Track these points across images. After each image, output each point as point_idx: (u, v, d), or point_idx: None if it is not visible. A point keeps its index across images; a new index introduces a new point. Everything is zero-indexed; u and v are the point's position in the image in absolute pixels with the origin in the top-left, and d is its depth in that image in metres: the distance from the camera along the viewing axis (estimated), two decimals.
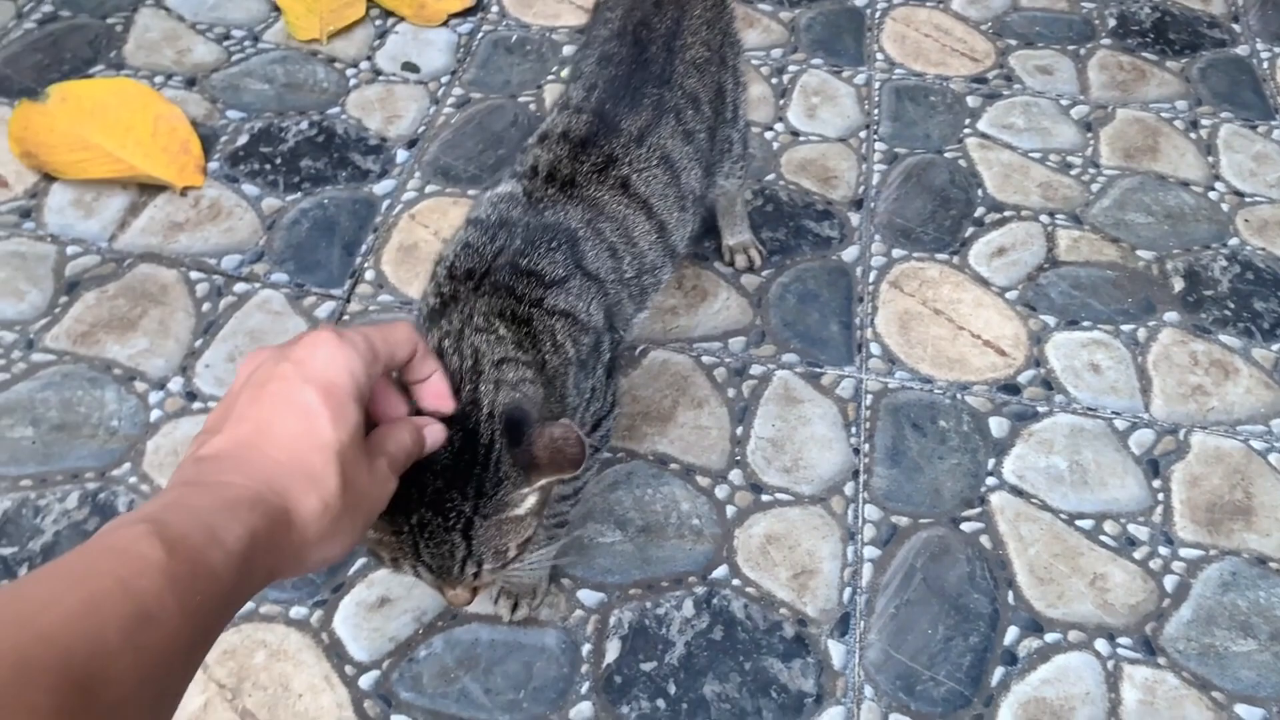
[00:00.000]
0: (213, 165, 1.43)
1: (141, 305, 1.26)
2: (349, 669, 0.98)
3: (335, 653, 1.00)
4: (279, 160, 1.44)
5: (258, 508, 0.51)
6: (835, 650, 1.02)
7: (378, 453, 0.60)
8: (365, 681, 0.98)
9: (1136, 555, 1.10)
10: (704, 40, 1.03)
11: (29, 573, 0.46)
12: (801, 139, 1.54)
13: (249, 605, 1.02)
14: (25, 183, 1.38)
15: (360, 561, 1.06)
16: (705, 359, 1.25)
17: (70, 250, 1.31)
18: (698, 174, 1.01)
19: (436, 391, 0.69)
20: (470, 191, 1.42)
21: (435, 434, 0.68)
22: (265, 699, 0.96)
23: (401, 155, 1.47)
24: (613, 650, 1.01)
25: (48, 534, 1.05)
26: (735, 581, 1.06)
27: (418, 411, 0.69)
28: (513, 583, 1.02)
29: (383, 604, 1.03)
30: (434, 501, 0.69)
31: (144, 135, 1.40)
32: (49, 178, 1.38)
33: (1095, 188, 1.49)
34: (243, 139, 1.47)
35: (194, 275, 1.29)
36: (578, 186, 0.88)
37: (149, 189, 1.38)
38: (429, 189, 1.42)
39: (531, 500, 0.72)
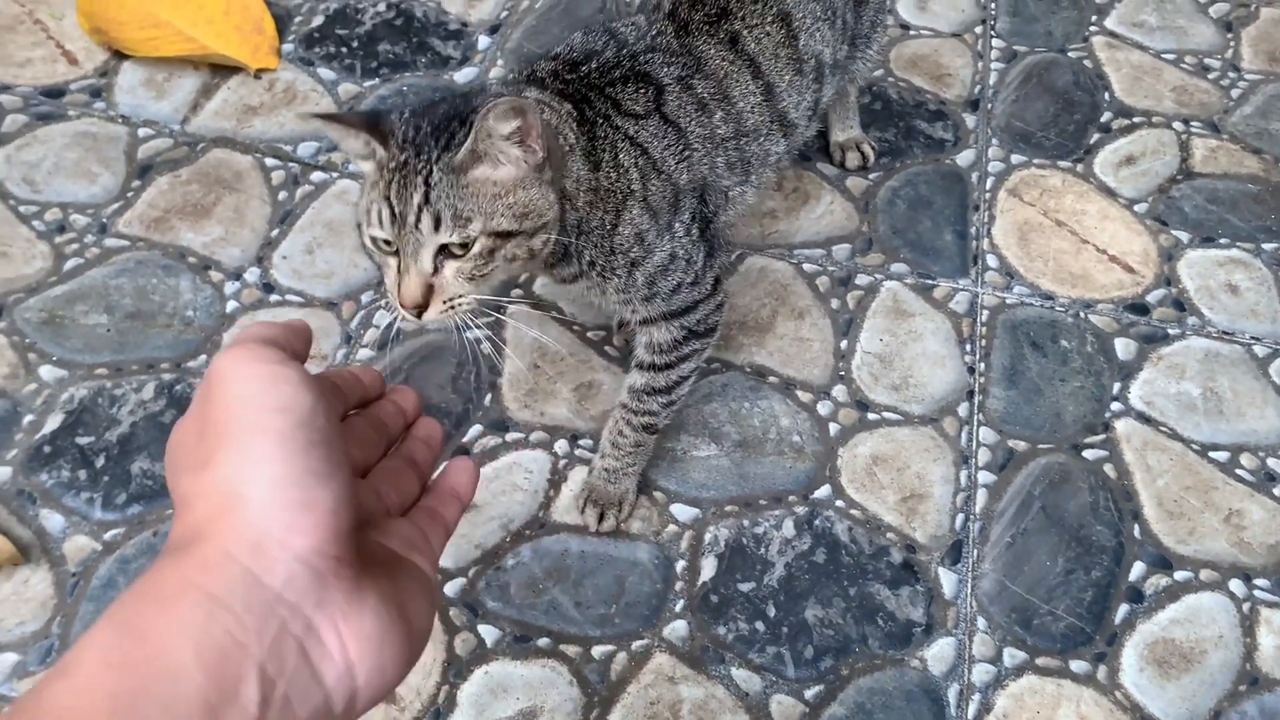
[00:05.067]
0: (287, 47, 1.35)
1: (216, 192, 1.20)
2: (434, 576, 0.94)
3: None
4: (355, 44, 1.36)
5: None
6: (946, 579, 0.95)
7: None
8: (451, 589, 0.94)
9: (1277, 491, 1.01)
10: None
11: None
12: (912, 33, 1.42)
13: None
14: (95, 60, 1.31)
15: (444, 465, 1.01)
16: (807, 267, 1.17)
17: (142, 133, 1.25)
18: (826, 37, 0.94)
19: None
20: None
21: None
22: None
23: (483, 41, 1.38)
24: (708, 568, 0.95)
25: (124, 425, 1.01)
26: (839, 503, 1.00)
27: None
28: (596, 489, 0.97)
29: (469, 510, 0.98)
30: (417, 144, 0.72)
31: (216, 13, 1.32)
32: (119, 56, 1.32)
33: (1235, 93, 1.36)
34: (318, 20, 1.39)
35: (269, 162, 1.23)
36: (690, 35, 0.88)
37: (222, 70, 1.31)
38: (511, 78, 1.33)
39: (488, 171, 0.72)
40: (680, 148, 0.85)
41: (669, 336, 0.92)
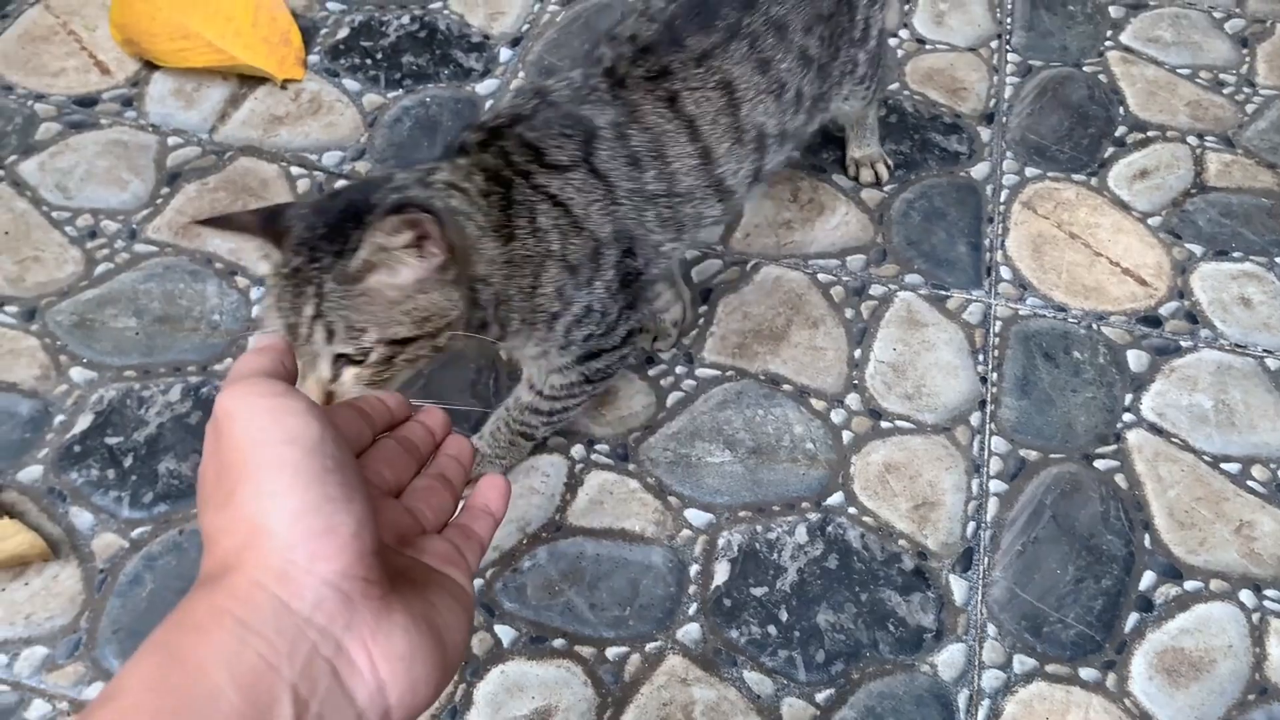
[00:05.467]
0: (313, 58, 1.38)
1: (242, 199, 1.22)
2: None
3: None
4: (380, 55, 1.39)
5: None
6: (957, 586, 0.96)
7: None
8: None
9: None
10: None
11: None
12: (928, 47, 1.44)
13: None
14: (126, 70, 1.35)
15: None
16: (821, 277, 1.18)
17: (171, 141, 1.28)
18: (770, 109, 0.92)
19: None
20: None
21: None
22: None
23: (505, 54, 1.40)
24: (722, 572, 0.97)
25: (151, 426, 1.04)
26: (851, 509, 1.01)
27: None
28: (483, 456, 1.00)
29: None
30: (311, 247, 0.71)
31: (244, 25, 1.35)
32: (150, 66, 1.35)
33: (1250, 109, 1.37)
34: (343, 32, 1.41)
35: (295, 171, 1.26)
36: (626, 89, 0.87)
37: (249, 81, 1.34)
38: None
39: (384, 279, 0.71)
40: (607, 202, 0.85)
41: (564, 380, 0.94)
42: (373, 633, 0.41)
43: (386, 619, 0.41)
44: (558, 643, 0.92)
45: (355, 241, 0.69)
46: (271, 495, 0.40)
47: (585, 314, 0.87)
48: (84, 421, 1.04)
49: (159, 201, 1.22)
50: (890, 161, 1.27)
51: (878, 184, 1.26)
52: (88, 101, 1.31)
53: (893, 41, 1.44)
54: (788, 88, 0.93)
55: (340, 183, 1.25)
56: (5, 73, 1.32)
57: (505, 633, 0.93)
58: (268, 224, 0.73)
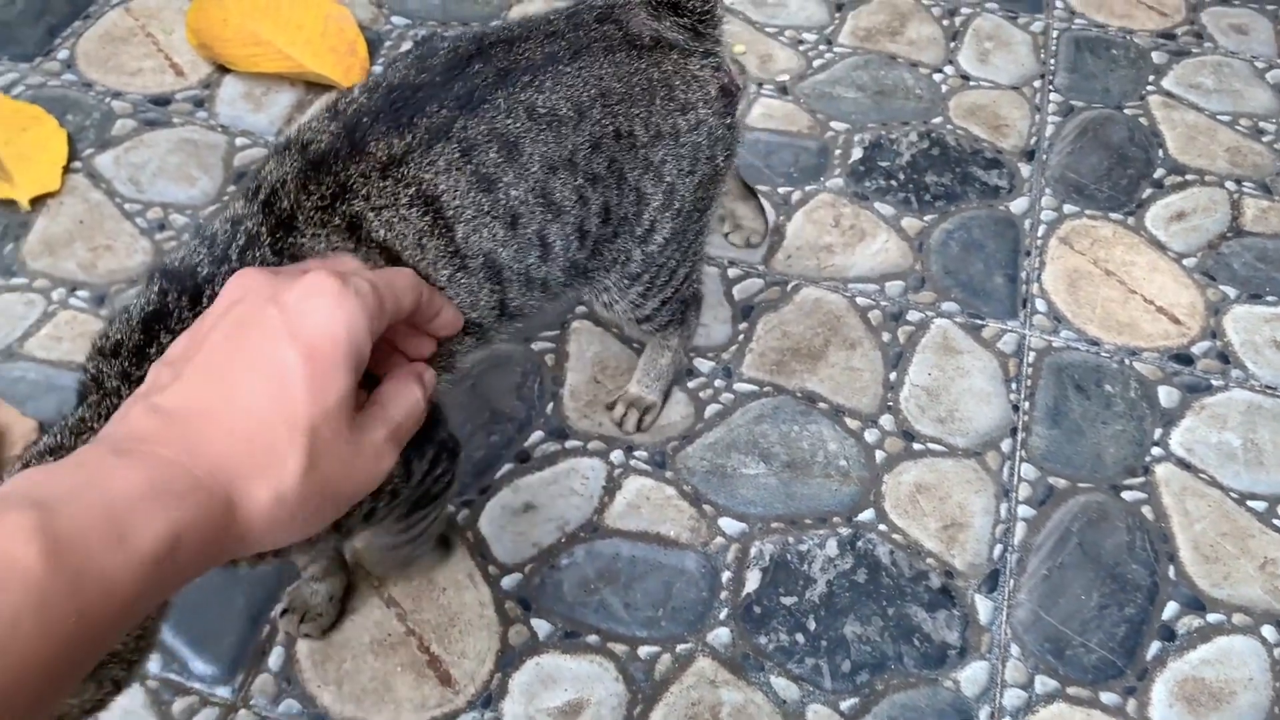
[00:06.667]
0: (376, 68, 1.43)
1: None
2: (492, 569, 1.00)
3: (479, 552, 1.01)
4: None
5: (190, 498, 0.43)
6: (982, 605, 0.99)
7: (376, 423, 0.52)
8: (507, 583, 0.99)
9: None
10: (580, 98, 0.75)
11: None
12: (972, 84, 1.47)
13: None
14: (199, 73, 1.41)
15: (507, 467, 1.06)
16: (860, 300, 1.22)
17: (239, 141, 1.33)
18: (499, 236, 0.72)
19: (447, 321, 0.63)
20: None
21: (431, 378, 0.60)
22: (410, 589, 0.98)
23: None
24: (753, 580, 1.00)
25: None
26: (881, 526, 1.03)
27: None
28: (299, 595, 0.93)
29: (527, 510, 1.04)
30: None
31: (313, 34, 1.41)
32: (222, 70, 1.41)
33: None
34: (406, 45, 1.47)
35: None
36: (294, 231, 0.64)
37: (315, 87, 1.40)
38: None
39: None
40: None
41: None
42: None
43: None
44: (591, 639, 0.96)
45: None
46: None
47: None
48: None
49: (224, 198, 1.27)
50: (650, 417, 1.10)
51: (622, 428, 1.09)
52: (162, 101, 1.37)
53: (936, 76, 1.48)
54: (524, 224, 0.73)
55: None
56: (86, 71, 1.39)
57: (541, 626, 0.96)
58: None
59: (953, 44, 1.53)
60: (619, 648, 0.95)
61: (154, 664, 0.92)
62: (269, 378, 0.46)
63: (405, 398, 0.55)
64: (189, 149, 1.32)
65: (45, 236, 1.21)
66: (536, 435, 1.09)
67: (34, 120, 1.30)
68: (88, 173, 1.27)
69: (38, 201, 1.24)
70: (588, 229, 0.79)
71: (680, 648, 0.95)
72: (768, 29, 1.54)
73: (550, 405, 1.12)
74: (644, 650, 0.95)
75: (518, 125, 0.72)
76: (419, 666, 0.93)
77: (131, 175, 1.28)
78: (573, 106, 0.74)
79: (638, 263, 0.87)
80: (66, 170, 1.27)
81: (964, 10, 1.58)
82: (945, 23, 1.56)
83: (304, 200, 0.64)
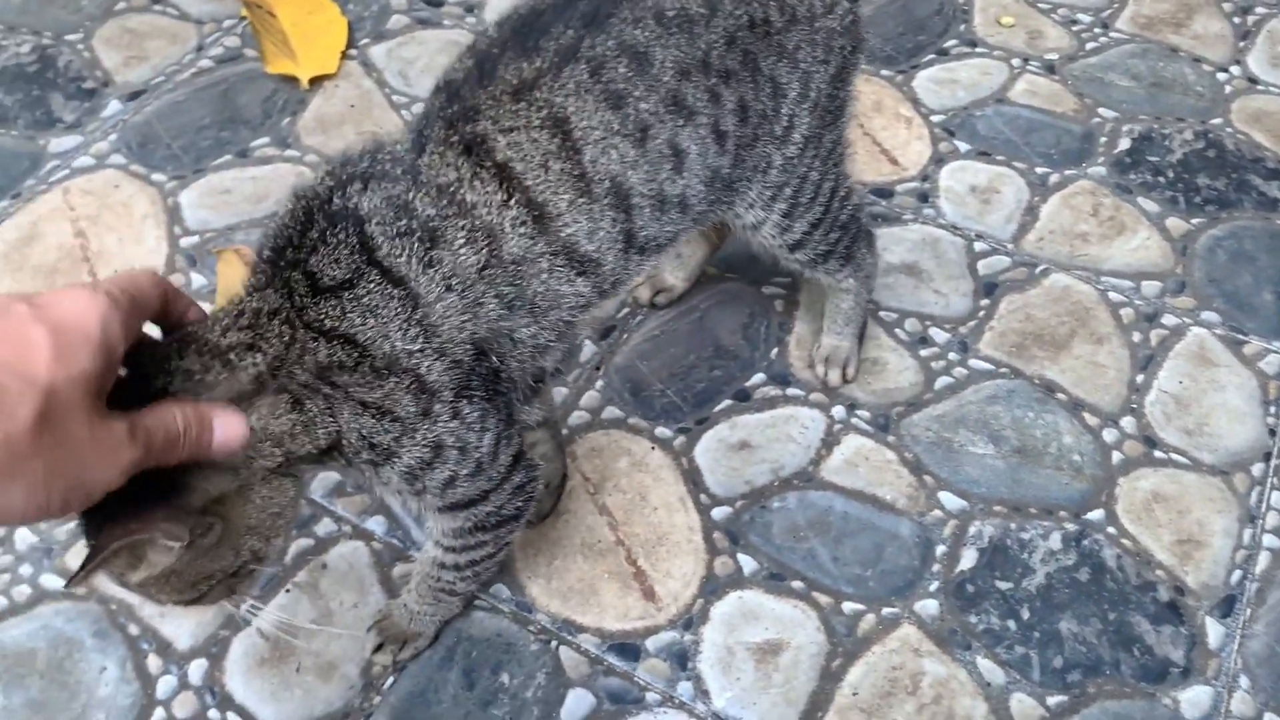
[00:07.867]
0: None
1: None
2: (703, 498, 1.00)
3: (692, 479, 1.01)
4: None
5: None
6: (1213, 629, 0.93)
7: (122, 418, 0.53)
8: (717, 514, 0.99)
9: None
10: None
11: None
12: (1260, 88, 1.37)
13: (617, 412, 1.05)
14: None
15: (726, 402, 1.06)
16: (1112, 295, 1.15)
17: None
18: (628, 157, 0.71)
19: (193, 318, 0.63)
20: None
21: (231, 427, 0.59)
22: (623, 501, 0.99)
23: None
24: (968, 559, 0.97)
25: None
26: (1111, 529, 0.99)
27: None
28: (389, 620, 0.90)
29: (743, 447, 1.03)
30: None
31: None
32: None
33: None
34: None
35: None
36: (422, 152, 0.68)
37: None
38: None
39: (133, 577, 0.62)
40: (408, 312, 0.65)
41: (453, 524, 0.78)
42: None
43: None
44: (796, 584, 0.95)
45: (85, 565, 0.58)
46: None
47: (434, 454, 0.69)
48: None
49: None
50: (853, 368, 1.07)
51: (824, 387, 1.08)
52: (435, 1, 1.41)
53: (1220, 76, 1.38)
54: (654, 134, 0.71)
55: None
56: None
57: (747, 562, 0.96)
58: None
59: (1242, 43, 1.42)
60: (823, 598, 0.94)
61: (380, 526, 0.97)
62: (12, 346, 0.49)
63: (164, 413, 0.56)
64: (453, 51, 1.35)
65: (319, 115, 1.27)
66: (758, 377, 1.09)
67: (320, 6, 1.36)
68: (362, 61, 1.33)
69: (316, 82, 1.30)
70: (724, 129, 0.77)
71: (886, 610, 0.93)
72: (1040, 4, 1.47)
73: (775, 350, 1.11)
74: (848, 606, 0.94)
75: (646, 34, 0.71)
76: (624, 577, 0.95)
77: (401, 69, 1.33)
78: (703, 1, 0.73)
79: (778, 169, 0.84)
80: (344, 56, 1.33)
81: (1259, 9, 1.47)
82: (1236, 20, 1.46)
83: (437, 127, 0.68)
